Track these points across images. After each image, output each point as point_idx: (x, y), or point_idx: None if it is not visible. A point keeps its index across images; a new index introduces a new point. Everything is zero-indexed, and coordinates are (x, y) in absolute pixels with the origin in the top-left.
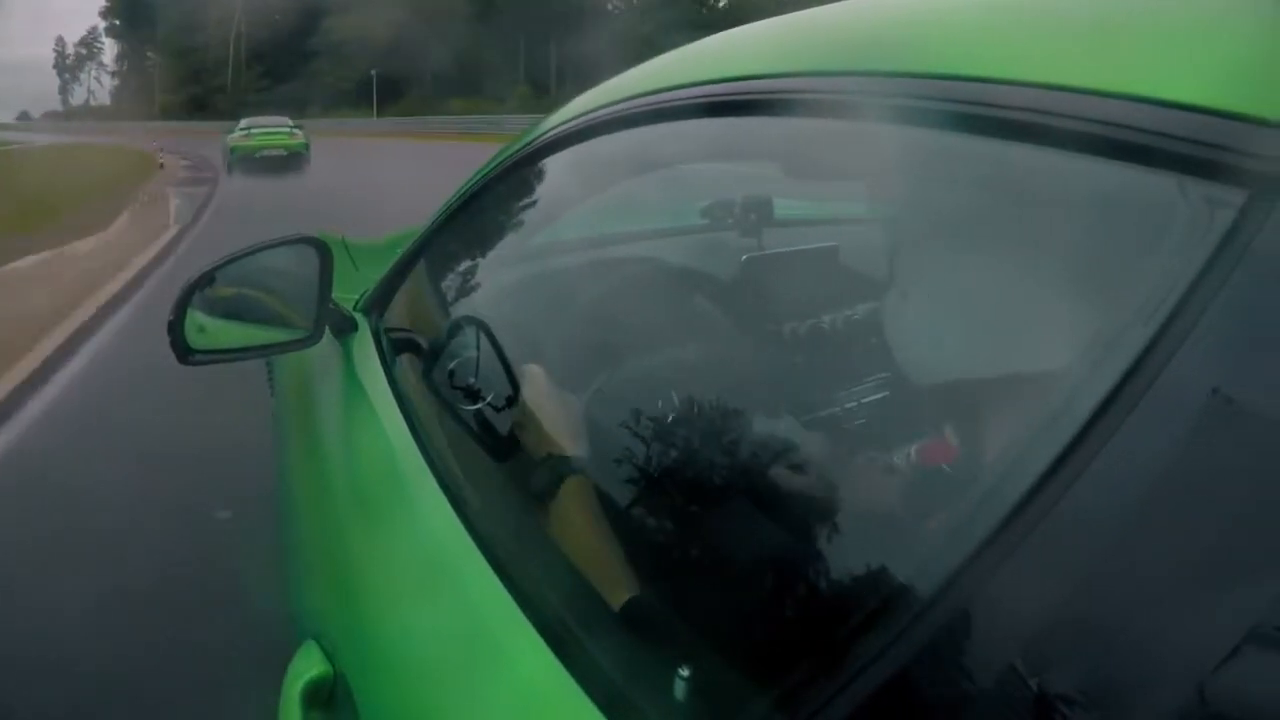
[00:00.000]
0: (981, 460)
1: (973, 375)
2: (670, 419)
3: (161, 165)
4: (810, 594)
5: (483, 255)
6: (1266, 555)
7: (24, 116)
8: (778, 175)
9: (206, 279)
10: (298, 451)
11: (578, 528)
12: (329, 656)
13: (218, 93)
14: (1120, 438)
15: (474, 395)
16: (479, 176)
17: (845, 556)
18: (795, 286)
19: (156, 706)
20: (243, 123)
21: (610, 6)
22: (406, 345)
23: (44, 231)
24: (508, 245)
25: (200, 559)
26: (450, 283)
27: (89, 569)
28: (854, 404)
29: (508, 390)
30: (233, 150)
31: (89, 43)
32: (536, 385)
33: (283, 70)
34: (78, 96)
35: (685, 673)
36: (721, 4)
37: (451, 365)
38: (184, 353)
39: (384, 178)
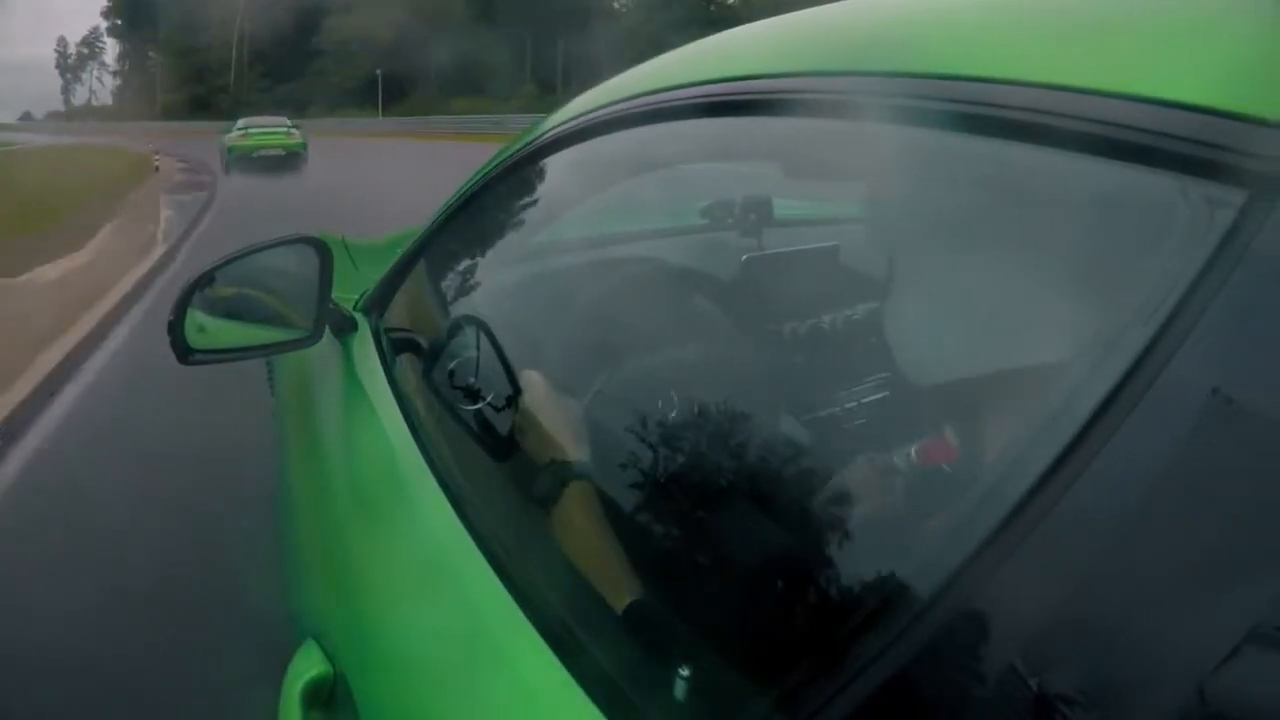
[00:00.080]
0: (981, 460)
1: (973, 375)
2: (670, 419)
3: (157, 168)
4: (810, 594)
5: (483, 255)
6: (1266, 555)
7: (27, 117)
8: (778, 175)
9: (206, 279)
10: (298, 451)
11: (578, 527)
12: (329, 656)
13: (220, 93)
14: (1120, 438)
15: (474, 395)
16: (479, 176)
17: (845, 556)
18: (795, 287)
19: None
20: (240, 123)
21: (617, 5)
22: (406, 345)
23: (4, 252)
24: (508, 245)
25: None
26: (450, 282)
27: None
28: (854, 404)
29: (507, 390)
30: (230, 150)
31: (91, 42)
32: (536, 385)
33: (286, 70)
34: (80, 97)
35: (685, 673)
36: (731, 1)
37: (451, 365)
38: (184, 352)
39: (393, 181)
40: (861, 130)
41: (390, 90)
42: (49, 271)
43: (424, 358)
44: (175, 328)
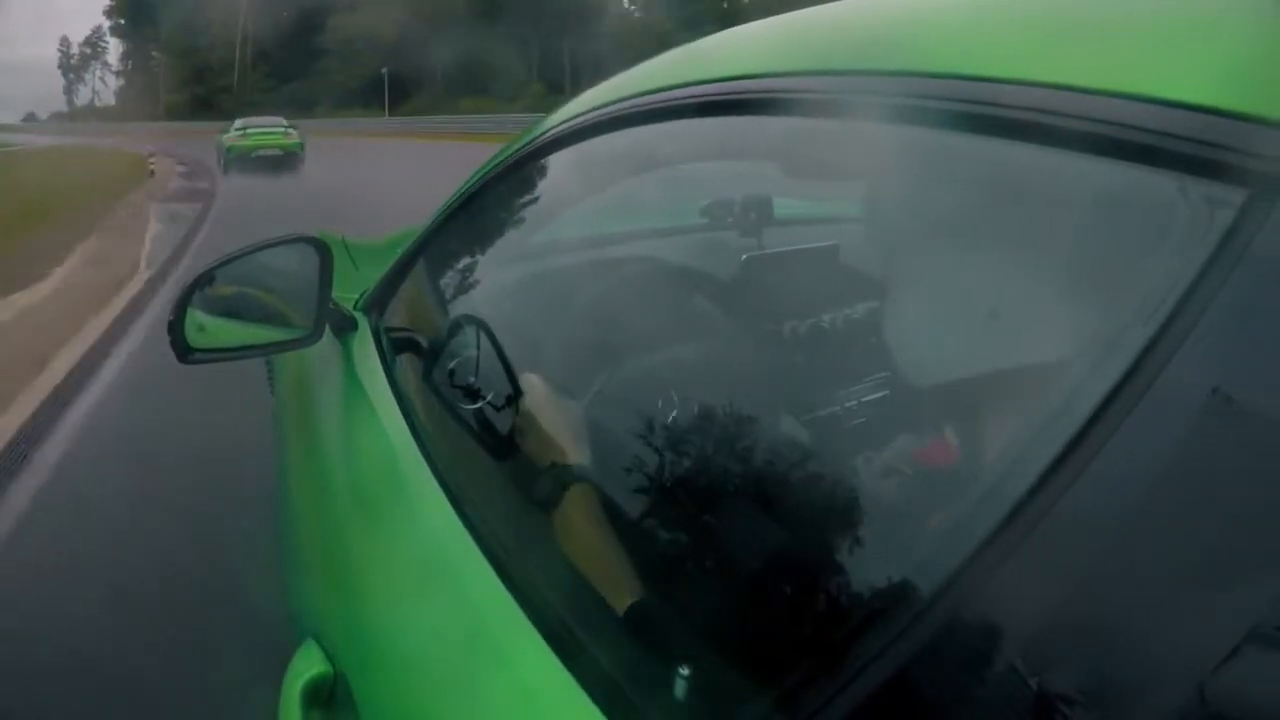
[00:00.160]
0: (981, 460)
1: (973, 375)
2: (669, 418)
3: (152, 172)
4: (810, 594)
5: (483, 254)
6: (1266, 555)
7: (30, 118)
8: (778, 174)
9: (207, 278)
10: (298, 451)
11: (578, 527)
12: (329, 656)
13: (223, 92)
14: (1120, 438)
15: (474, 394)
16: (479, 176)
17: (845, 556)
18: (795, 286)
19: None
20: (237, 123)
21: (626, 3)
22: (406, 344)
23: None
24: (508, 244)
25: None
26: (450, 282)
27: None
28: (854, 404)
29: (507, 389)
30: (229, 150)
31: (94, 42)
32: (536, 385)
33: (290, 69)
34: (83, 97)
35: (685, 672)
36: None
37: (451, 364)
38: (184, 352)
39: (399, 184)
40: (862, 129)
41: (396, 90)
42: None
43: (424, 357)
44: (175, 327)
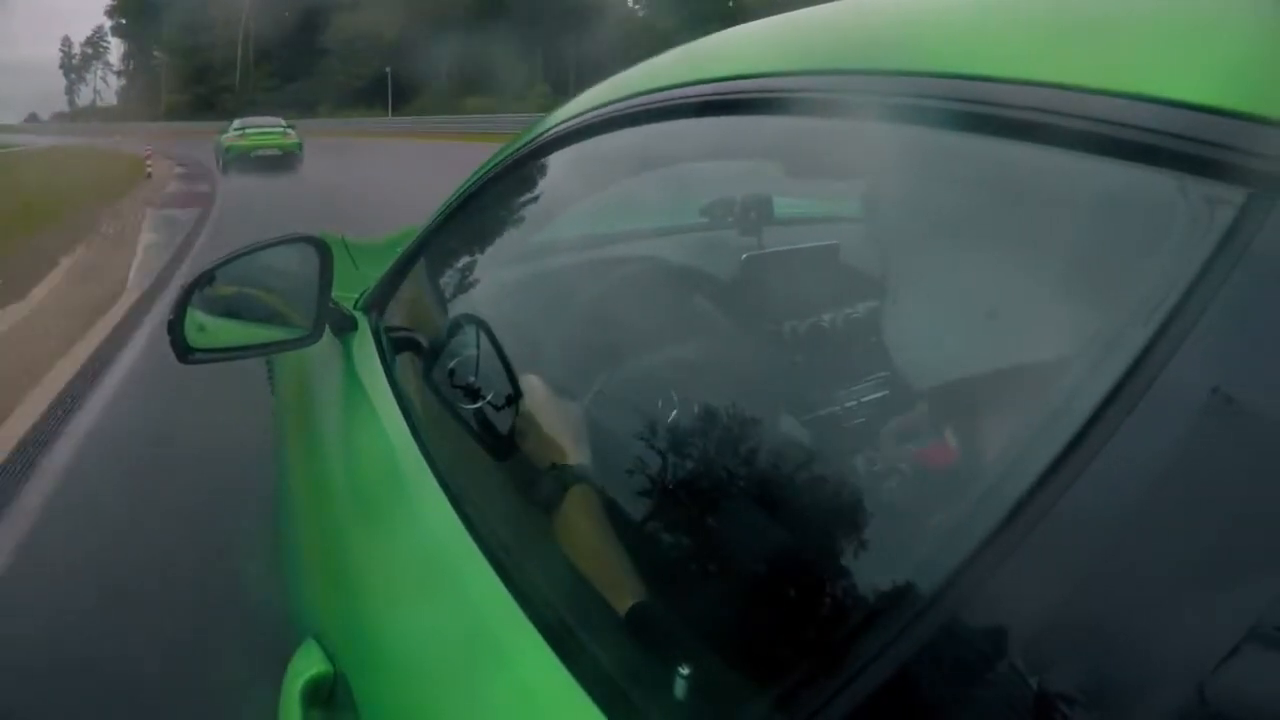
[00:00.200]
0: (981, 460)
1: (973, 374)
2: (669, 418)
3: (149, 174)
4: (810, 594)
5: (483, 254)
6: (1266, 555)
7: (32, 118)
8: (778, 174)
9: (206, 278)
10: (298, 450)
11: (578, 526)
12: (329, 655)
13: (225, 92)
14: (1120, 438)
15: (474, 394)
16: (479, 175)
17: (845, 556)
18: (795, 285)
19: None
20: (236, 123)
21: (631, 2)
22: (406, 344)
23: None
24: (508, 243)
25: None
26: (450, 281)
27: None
28: (854, 403)
29: (508, 389)
30: (227, 149)
31: (95, 42)
32: (536, 384)
33: (292, 69)
34: (84, 97)
35: (685, 672)
36: None
37: (451, 364)
38: (184, 351)
39: (417, 191)
40: (862, 129)
41: (399, 90)
42: None
43: (424, 357)
44: (175, 327)
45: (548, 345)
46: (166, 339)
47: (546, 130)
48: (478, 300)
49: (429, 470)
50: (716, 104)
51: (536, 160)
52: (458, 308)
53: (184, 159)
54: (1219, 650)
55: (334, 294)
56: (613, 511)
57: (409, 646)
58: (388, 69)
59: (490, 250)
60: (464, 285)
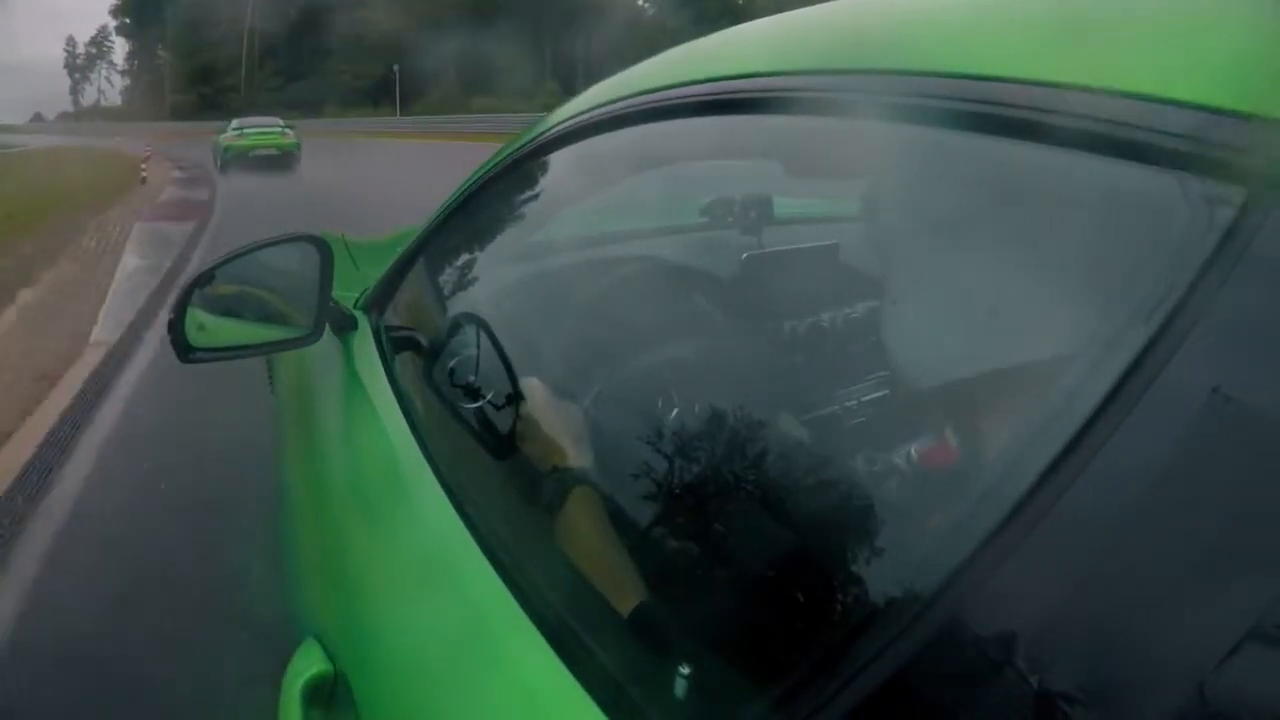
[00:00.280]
0: (981, 460)
1: (973, 374)
2: (669, 417)
3: (144, 180)
4: (810, 594)
5: (483, 253)
6: (1266, 555)
7: (38, 118)
8: (778, 173)
9: (207, 277)
10: (298, 450)
11: (578, 526)
12: (329, 655)
13: (230, 91)
14: (1120, 438)
15: (474, 393)
16: (479, 174)
17: (845, 556)
18: (795, 285)
19: None
20: (234, 123)
21: (640, 1)
22: (407, 343)
23: None
24: (508, 243)
25: None
26: (450, 280)
27: None
28: (854, 403)
29: (508, 388)
30: (226, 149)
31: (99, 42)
32: (537, 384)
33: (297, 68)
34: (89, 97)
35: (686, 672)
36: None
37: (452, 363)
38: (184, 351)
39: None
40: (862, 128)
41: (407, 89)
42: None
43: (424, 356)
44: (175, 326)
45: (548, 345)
46: (134, 448)
47: (547, 130)
48: (478, 299)
49: (429, 470)
50: (716, 104)
51: (537, 160)
52: (458, 307)
53: (184, 161)
54: (1219, 650)
55: (334, 293)
56: (612, 511)
57: (409, 646)
58: (395, 67)
59: (490, 249)
60: (464, 284)
